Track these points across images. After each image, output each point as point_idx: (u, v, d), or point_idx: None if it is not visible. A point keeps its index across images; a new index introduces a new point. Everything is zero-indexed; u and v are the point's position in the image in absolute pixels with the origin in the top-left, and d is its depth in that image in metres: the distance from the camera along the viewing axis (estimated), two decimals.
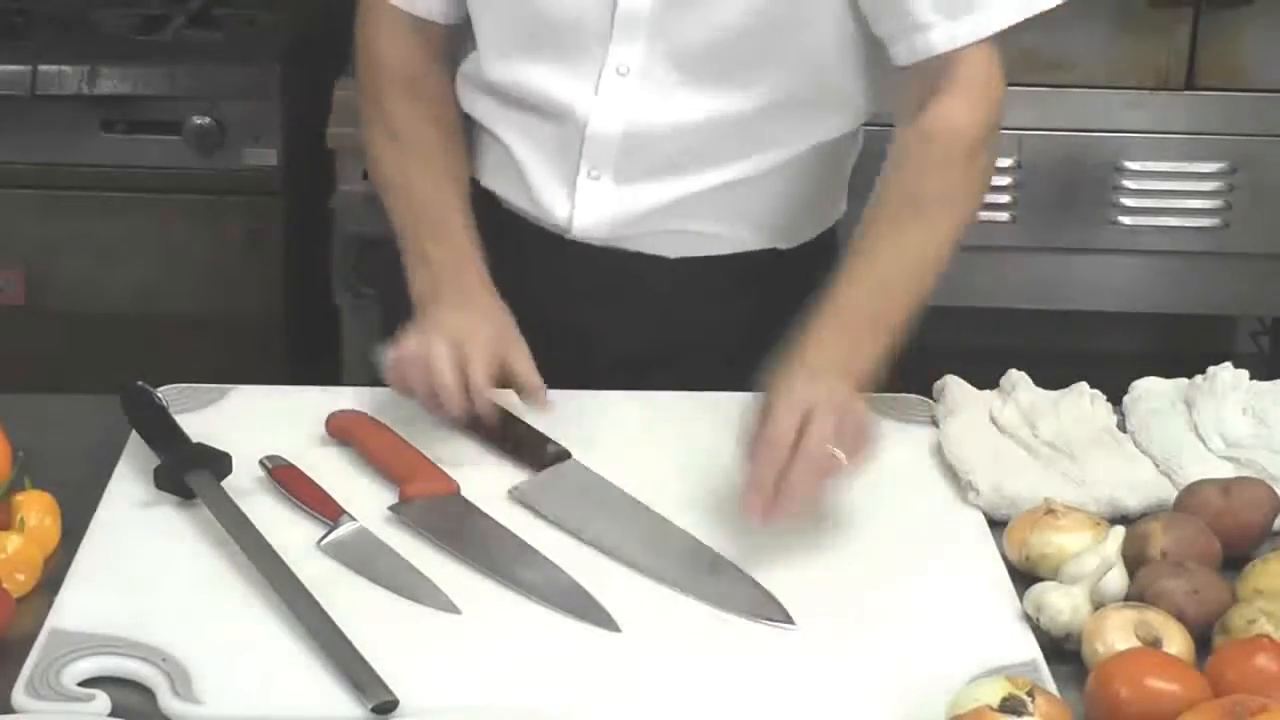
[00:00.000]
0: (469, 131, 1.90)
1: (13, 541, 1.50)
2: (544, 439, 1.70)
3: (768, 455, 1.55)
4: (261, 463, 1.66)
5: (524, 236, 1.88)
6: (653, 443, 1.73)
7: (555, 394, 1.74)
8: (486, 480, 1.66)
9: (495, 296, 1.77)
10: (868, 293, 1.69)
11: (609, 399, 1.80)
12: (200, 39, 2.89)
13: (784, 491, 1.53)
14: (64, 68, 2.75)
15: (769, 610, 1.50)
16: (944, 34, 1.71)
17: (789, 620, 1.48)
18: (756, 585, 1.52)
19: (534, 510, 1.63)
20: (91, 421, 1.75)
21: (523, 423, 1.73)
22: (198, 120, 2.76)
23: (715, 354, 1.87)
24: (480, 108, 1.87)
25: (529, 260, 1.86)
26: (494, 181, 1.89)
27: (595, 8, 1.75)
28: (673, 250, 1.86)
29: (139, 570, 1.53)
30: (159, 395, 1.74)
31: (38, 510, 1.55)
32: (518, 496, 1.65)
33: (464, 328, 1.71)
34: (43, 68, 2.75)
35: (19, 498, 1.55)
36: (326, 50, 2.64)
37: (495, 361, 1.70)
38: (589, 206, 1.83)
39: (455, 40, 1.88)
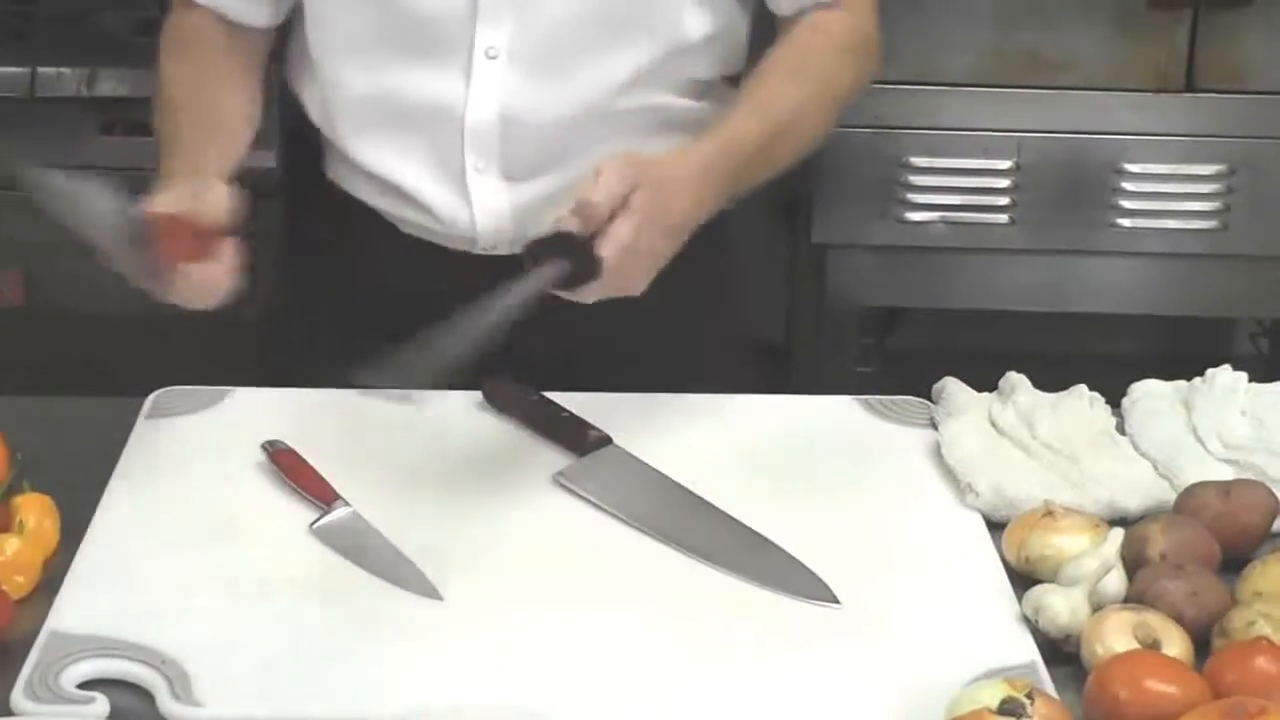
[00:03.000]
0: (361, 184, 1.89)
1: (12, 544, 1.50)
2: (585, 424, 1.71)
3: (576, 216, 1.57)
4: (263, 446, 1.67)
5: (434, 263, 1.86)
6: (684, 438, 1.74)
7: (572, 397, 1.76)
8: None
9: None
10: (758, 129, 1.73)
11: (625, 398, 1.79)
12: None
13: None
14: (63, 70, 2.75)
15: (815, 590, 1.51)
16: None
17: (834, 600, 1.50)
18: (804, 566, 1.54)
19: (577, 493, 1.64)
20: (90, 424, 1.76)
21: (563, 408, 1.73)
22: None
23: (634, 353, 1.87)
24: (358, 137, 1.85)
25: (442, 286, 1.85)
26: (392, 208, 1.87)
27: None
28: None
29: (138, 572, 1.52)
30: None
31: (36, 512, 1.55)
32: (560, 480, 1.66)
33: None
34: (42, 70, 2.75)
35: (18, 500, 1.55)
36: None
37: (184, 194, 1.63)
38: (485, 205, 1.82)
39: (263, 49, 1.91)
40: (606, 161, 1.59)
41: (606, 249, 1.57)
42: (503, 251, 1.84)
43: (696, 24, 1.80)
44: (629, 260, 1.59)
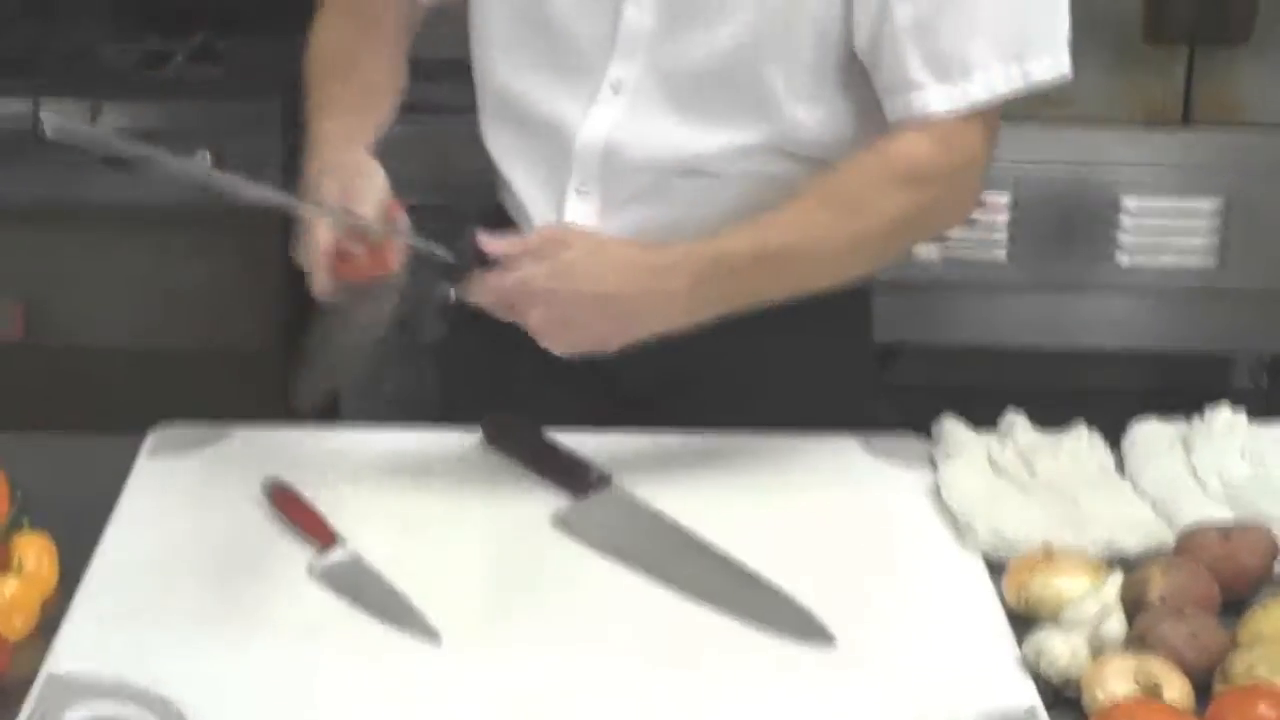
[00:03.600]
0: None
1: (10, 584, 1.50)
2: (586, 464, 1.72)
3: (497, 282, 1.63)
4: (263, 486, 1.67)
5: None
6: (686, 477, 1.74)
7: (583, 437, 1.77)
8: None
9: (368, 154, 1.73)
10: (756, 246, 1.70)
11: (633, 437, 1.81)
12: (202, 74, 2.90)
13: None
14: (67, 103, 2.76)
15: (811, 631, 1.51)
16: (935, 95, 1.72)
17: (829, 640, 1.50)
18: (799, 606, 1.54)
19: (577, 535, 1.64)
20: (91, 461, 1.76)
21: (563, 448, 1.74)
22: (199, 156, 2.77)
23: (725, 387, 1.88)
24: (488, 129, 1.89)
25: None
26: (505, 206, 1.91)
27: (599, 22, 1.77)
28: None
29: (137, 615, 1.52)
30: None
31: (35, 552, 1.55)
32: (560, 521, 1.66)
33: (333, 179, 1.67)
34: (46, 103, 2.76)
35: (17, 539, 1.55)
36: None
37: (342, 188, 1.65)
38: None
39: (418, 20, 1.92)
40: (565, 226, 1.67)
41: (504, 277, 1.63)
42: None
43: (806, 116, 1.77)
44: (524, 296, 1.63)
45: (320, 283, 1.62)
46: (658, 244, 1.69)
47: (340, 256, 1.61)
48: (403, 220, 1.64)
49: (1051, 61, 1.73)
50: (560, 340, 1.67)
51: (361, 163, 1.67)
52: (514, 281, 1.64)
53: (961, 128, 1.74)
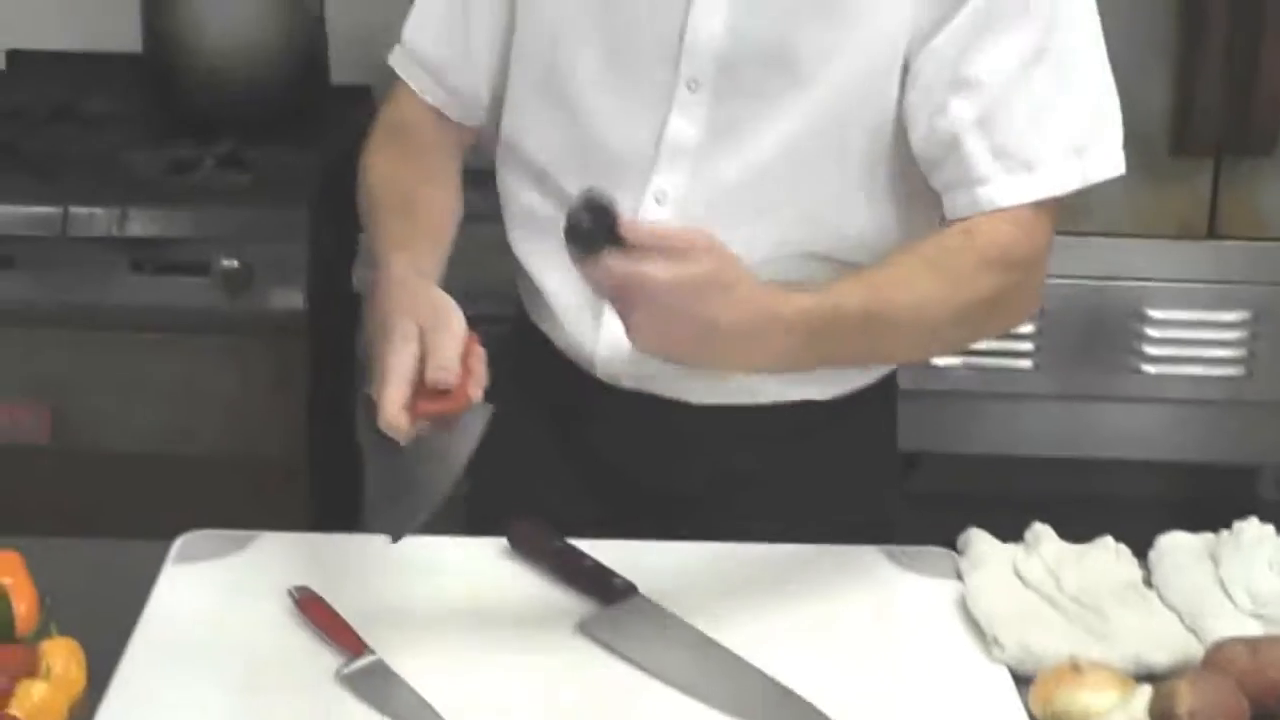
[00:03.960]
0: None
1: (38, 689, 1.50)
2: (610, 573, 1.72)
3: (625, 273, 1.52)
4: (289, 592, 1.67)
5: (564, 374, 1.89)
6: (711, 587, 1.74)
7: (607, 545, 1.76)
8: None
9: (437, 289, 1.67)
10: (864, 304, 1.65)
11: (657, 546, 1.80)
12: (229, 181, 2.92)
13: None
14: (95, 209, 2.78)
15: None
16: (1000, 189, 1.72)
17: None
18: (825, 718, 1.53)
19: (602, 643, 1.64)
20: (118, 566, 1.76)
21: (588, 557, 1.74)
22: (225, 262, 2.79)
23: (758, 496, 1.88)
24: (520, 242, 1.90)
25: (566, 396, 1.89)
26: (531, 309, 1.92)
27: (643, 134, 1.78)
28: (698, 396, 1.86)
29: None
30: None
31: (63, 657, 1.55)
32: (585, 629, 1.66)
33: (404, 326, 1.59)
34: (74, 209, 2.78)
35: (45, 644, 1.55)
36: (353, 193, 2.66)
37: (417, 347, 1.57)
38: (611, 340, 1.83)
39: (467, 144, 1.93)
40: (712, 236, 1.56)
41: (626, 265, 1.52)
42: (626, 385, 1.85)
43: (854, 220, 1.78)
44: (636, 293, 1.54)
45: (395, 420, 1.53)
46: (783, 292, 1.61)
47: (418, 392, 1.55)
48: (480, 353, 1.58)
49: (1110, 160, 1.75)
50: (647, 343, 1.58)
51: (437, 299, 1.63)
52: (633, 275, 1.52)
53: (1032, 218, 1.74)
